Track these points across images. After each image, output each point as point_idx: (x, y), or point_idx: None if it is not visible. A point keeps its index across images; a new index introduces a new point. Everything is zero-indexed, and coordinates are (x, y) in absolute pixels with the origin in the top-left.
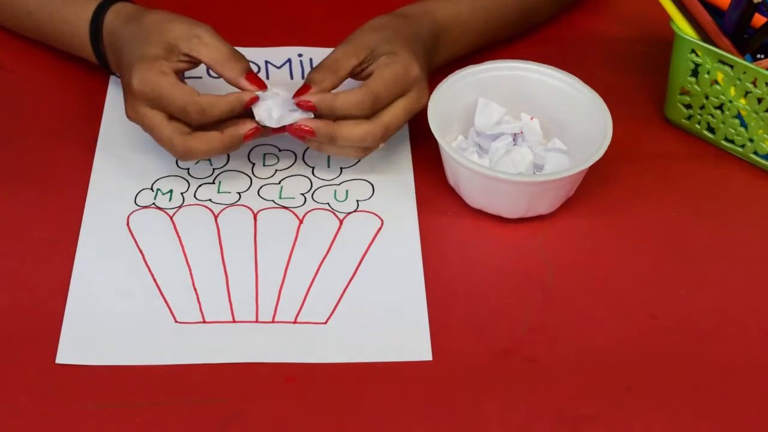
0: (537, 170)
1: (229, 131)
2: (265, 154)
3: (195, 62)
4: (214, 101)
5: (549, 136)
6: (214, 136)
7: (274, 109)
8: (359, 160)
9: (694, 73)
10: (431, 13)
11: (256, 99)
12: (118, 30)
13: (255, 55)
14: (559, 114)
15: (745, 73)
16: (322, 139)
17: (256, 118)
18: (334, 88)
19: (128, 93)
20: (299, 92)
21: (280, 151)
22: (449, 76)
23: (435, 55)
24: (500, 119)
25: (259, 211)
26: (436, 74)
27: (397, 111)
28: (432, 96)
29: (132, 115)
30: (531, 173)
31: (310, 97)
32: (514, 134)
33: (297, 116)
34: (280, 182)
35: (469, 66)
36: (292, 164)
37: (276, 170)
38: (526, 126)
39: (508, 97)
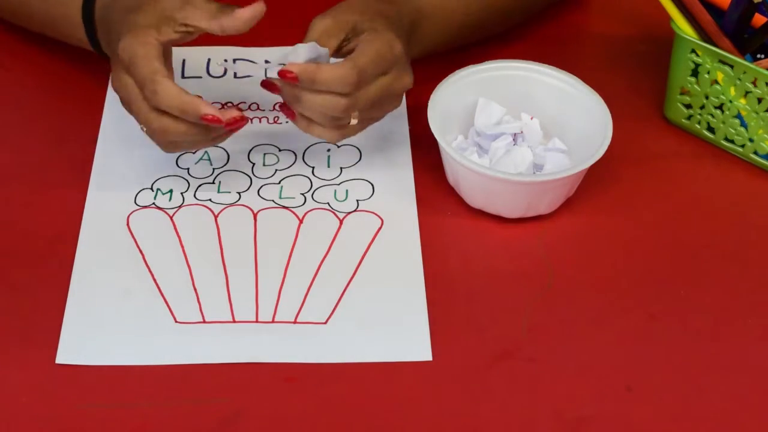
0: (537, 170)
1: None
2: (265, 154)
3: (191, 31)
4: (171, 91)
5: (549, 136)
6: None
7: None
8: (359, 160)
9: (694, 73)
10: (414, 0)
11: (215, 119)
12: (110, 5)
13: (255, 54)
14: (559, 114)
15: (745, 73)
16: (304, 83)
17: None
18: None
19: (113, 61)
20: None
21: (280, 151)
22: (449, 76)
23: (413, 45)
24: (500, 119)
25: (259, 211)
26: (435, 74)
27: (374, 85)
28: (432, 96)
29: (115, 83)
30: (531, 173)
31: (293, 68)
32: (514, 134)
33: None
34: (280, 182)
35: (469, 66)
36: (292, 164)
37: (276, 170)
38: (526, 126)
39: (508, 97)
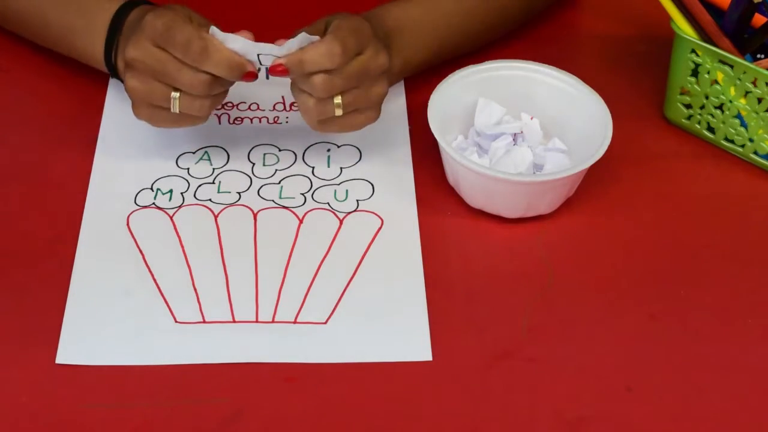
0: (537, 170)
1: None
2: (265, 154)
3: None
4: (219, 47)
5: (549, 136)
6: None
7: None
8: (359, 159)
9: (694, 73)
10: (382, 16)
11: (253, 75)
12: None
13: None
14: (559, 114)
15: (745, 73)
16: (294, 70)
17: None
18: None
19: (137, 32)
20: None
21: (280, 151)
22: (449, 76)
23: (392, 57)
24: (500, 119)
25: (259, 211)
26: (435, 74)
27: (352, 63)
28: (432, 96)
29: (137, 53)
30: (531, 173)
31: (279, 60)
32: (514, 134)
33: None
34: (280, 182)
35: (469, 66)
36: (292, 164)
37: (276, 170)
38: (526, 126)
39: (508, 97)
